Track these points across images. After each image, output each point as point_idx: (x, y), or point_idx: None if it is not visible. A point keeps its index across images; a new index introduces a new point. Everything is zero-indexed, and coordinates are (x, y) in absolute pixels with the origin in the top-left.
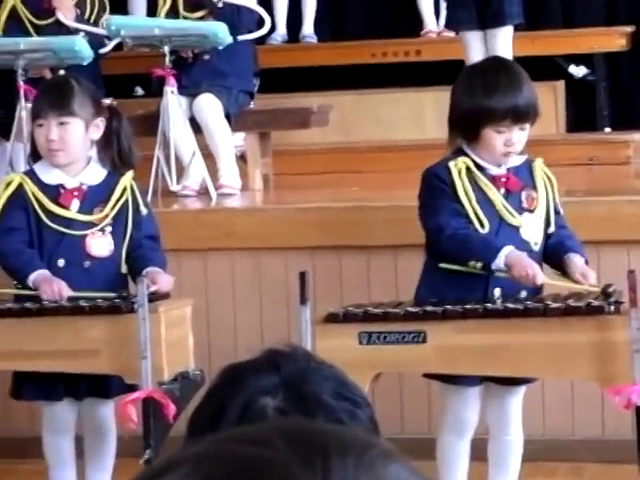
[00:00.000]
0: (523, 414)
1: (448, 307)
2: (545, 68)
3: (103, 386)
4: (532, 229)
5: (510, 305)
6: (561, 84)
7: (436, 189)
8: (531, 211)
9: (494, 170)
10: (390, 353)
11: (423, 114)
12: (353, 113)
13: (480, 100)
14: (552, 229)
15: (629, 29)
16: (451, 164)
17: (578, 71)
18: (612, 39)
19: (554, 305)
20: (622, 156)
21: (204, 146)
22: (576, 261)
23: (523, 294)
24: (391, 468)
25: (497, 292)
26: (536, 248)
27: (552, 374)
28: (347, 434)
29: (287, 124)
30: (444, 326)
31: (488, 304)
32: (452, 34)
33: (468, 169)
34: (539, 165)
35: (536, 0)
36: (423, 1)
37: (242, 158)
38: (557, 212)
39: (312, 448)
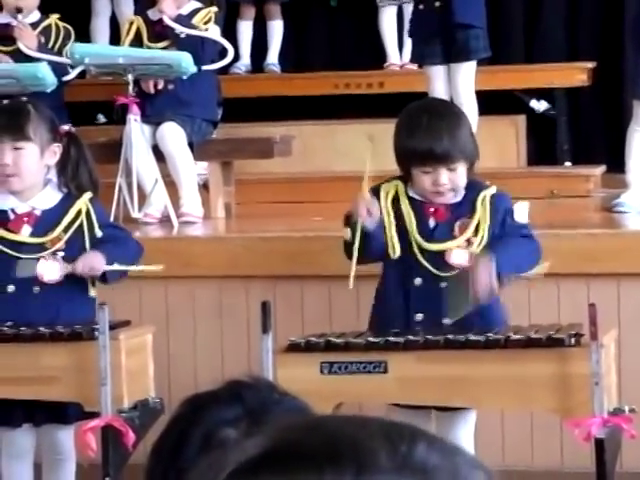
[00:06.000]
0: (482, 444)
1: (409, 337)
2: (507, 102)
3: (61, 412)
4: (456, 254)
5: (471, 337)
6: (522, 118)
7: None
8: (455, 237)
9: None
10: (351, 383)
11: (384, 145)
12: (315, 143)
13: (404, 141)
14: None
15: (590, 65)
16: (383, 186)
17: (539, 106)
18: (573, 74)
19: (515, 337)
20: (582, 190)
21: (166, 174)
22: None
23: (446, 321)
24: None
25: (419, 317)
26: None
27: (513, 405)
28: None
29: (250, 153)
30: (405, 356)
31: (449, 335)
32: (415, 67)
33: (396, 194)
34: (487, 194)
35: (498, 35)
36: (387, 34)
37: (204, 187)
38: (520, 226)
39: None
